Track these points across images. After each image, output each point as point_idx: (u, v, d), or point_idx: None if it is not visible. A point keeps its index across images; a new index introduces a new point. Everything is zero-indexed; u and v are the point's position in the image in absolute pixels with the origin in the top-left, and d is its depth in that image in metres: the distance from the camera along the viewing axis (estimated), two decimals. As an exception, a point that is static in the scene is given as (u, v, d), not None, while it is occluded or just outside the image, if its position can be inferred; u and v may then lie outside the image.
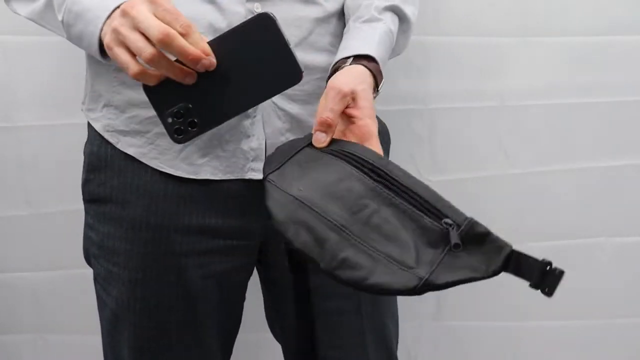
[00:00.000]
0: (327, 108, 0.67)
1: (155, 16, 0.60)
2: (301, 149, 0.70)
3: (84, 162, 0.81)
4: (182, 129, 0.65)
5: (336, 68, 0.73)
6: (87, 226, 0.83)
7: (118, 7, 0.63)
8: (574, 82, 1.17)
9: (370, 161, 0.64)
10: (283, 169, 0.68)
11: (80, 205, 0.83)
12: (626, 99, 1.18)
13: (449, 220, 0.59)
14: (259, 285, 0.91)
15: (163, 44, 0.59)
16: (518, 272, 0.56)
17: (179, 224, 0.77)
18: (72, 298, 1.22)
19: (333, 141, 0.69)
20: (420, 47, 1.15)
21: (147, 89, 0.64)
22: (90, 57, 0.80)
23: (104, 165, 0.78)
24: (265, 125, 0.76)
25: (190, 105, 0.65)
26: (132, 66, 0.61)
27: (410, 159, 1.19)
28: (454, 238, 0.58)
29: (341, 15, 0.81)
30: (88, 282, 0.85)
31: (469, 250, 0.58)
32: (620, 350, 1.29)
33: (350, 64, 0.72)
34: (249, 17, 0.72)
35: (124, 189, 0.77)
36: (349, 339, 0.84)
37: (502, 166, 1.21)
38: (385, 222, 0.61)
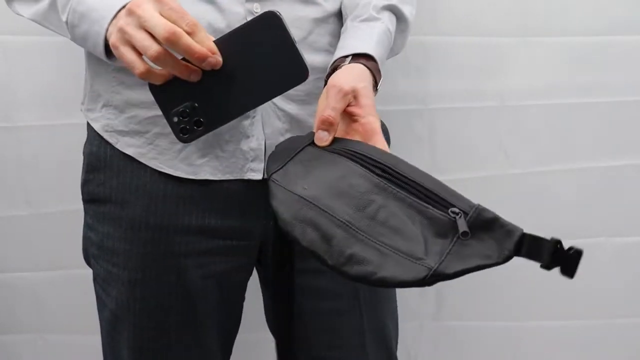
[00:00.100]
0: (328, 106, 0.67)
1: (161, 15, 0.60)
2: (303, 148, 0.70)
3: (83, 162, 0.81)
4: (187, 128, 0.65)
5: (335, 67, 0.73)
6: (87, 226, 0.83)
7: (124, 6, 0.63)
8: (574, 82, 1.17)
9: (374, 157, 0.64)
10: (286, 168, 0.68)
11: (80, 205, 0.83)
12: (626, 99, 1.18)
13: (455, 209, 0.58)
14: (259, 285, 0.91)
15: (169, 42, 0.59)
16: (530, 255, 0.55)
17: (179, 224, 0.77)
18: (72, 298, 1.22)
19: (335, 140, 0.68)
20: (420, 47, 1.15)
21: (153, 88, 0.65)
22: (89, 57, 0.80)
23: (103, 166, 0.78)
24: (264, 126, 0.76)
25: (196, 104, 0.65)
26: (138, 65, 0.62)
27: (410, 159, 1.19)
28: (462, 226, 0.57)
29: (340, 15, 0.81)
30: (88, 282, 0.85)
31: (479, 237, 0.57)
32: (620, 350, 1.29)
33: (349, 63, 0.72)
34: (249, 17, 0.72)
35: (123, 189, 0.77)
36: (349, 339, 0.84)
37: (502, 166, 1.21)
38: (392, 216, 0.60)
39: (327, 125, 0.67)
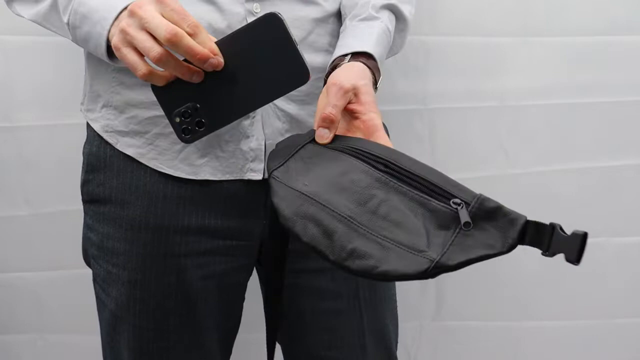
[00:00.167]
0: (329, 104, 0.67)
1: (163, 16, 0.60)
2: (304, 145, 0.69)
3: (83, 162, 0.81)
4: (189, 129, 0.66)
5: (334, 65, 0.73)
6: (86, 227, 0.83)
7: (126, 7, 0.63)
8: (574, 82, 1.17)
9: (375, 153, 0.64)
10: (287, 165, 0.68)
11: (80, 205, 0.83)
12: (626, 99, 1.18)
13: (457, 200, 0.58)
14: (259, 285, 0.91)
15: (171, 44, 0.59)
16: (534, 243, 0.55)
17: (179, 224, 0.77)
18: (72, 298, 1.22)
19: (336, 137, 0.68)
20: (420, 47, 1.15)
21: (155, 89, 0.65)
22: (89, 57, 0.80)
23: (103, 166, 0.78)
24: (264, 126, 0.76)
25: (198, 105, 0.65)
26: (141, 66, 0.62)
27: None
28: (464, 217, 0.57)
29: (339, 15, 0.81)
30: (88, 282, 0.85)
31: (482, 227, 0.57)
32: (620, 350, 1.29)
33: (348, 61, 0.72)
34: (249, 17, 0.73)
35: (123, 190, 0.77)
36: (349, 340, 0.84)
37: (502, 166, 1.21)
38: (393, 209, 0.60)
39: (328, 122, 0.67)
